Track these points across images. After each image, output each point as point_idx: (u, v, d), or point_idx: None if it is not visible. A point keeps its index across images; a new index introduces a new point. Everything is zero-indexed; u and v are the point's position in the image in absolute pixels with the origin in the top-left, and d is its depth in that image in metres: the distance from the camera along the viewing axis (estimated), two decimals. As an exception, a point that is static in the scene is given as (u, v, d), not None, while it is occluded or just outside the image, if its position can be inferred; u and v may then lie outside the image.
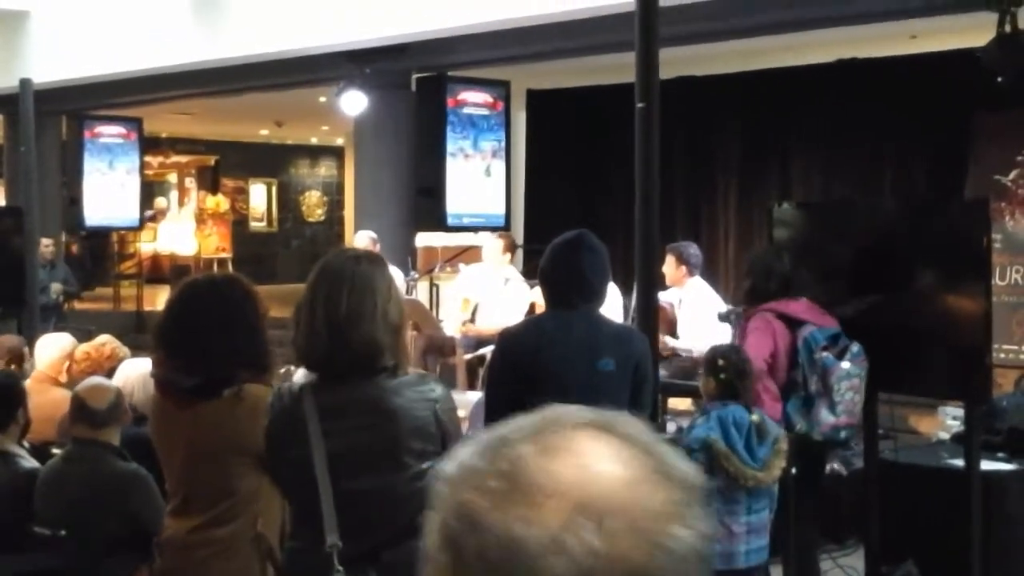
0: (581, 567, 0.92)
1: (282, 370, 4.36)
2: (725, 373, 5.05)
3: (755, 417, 4.97)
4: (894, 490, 6.30)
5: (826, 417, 5.31)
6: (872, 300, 5.87)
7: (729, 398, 5.02)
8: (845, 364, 5.32)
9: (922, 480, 6.31)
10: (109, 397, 4.68)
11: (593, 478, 0.96)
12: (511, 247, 10.07)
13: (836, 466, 5.78)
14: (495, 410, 3.84)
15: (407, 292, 10.59)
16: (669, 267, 8.12)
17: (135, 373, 5.48)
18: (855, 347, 5.38)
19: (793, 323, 5.40)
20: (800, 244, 6.33)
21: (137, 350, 6.53)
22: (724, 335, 8.31)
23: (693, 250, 8.63)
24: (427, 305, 11.09)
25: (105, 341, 6.55)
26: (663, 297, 7.55)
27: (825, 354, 5.31)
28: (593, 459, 0.97)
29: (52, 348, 6.47)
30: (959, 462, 5.90)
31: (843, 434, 5.45)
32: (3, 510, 4.61)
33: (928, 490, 6.22)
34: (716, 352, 5.25)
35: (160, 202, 23.19)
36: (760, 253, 5.85)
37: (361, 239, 10.40)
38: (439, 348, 9.93)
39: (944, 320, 5.63)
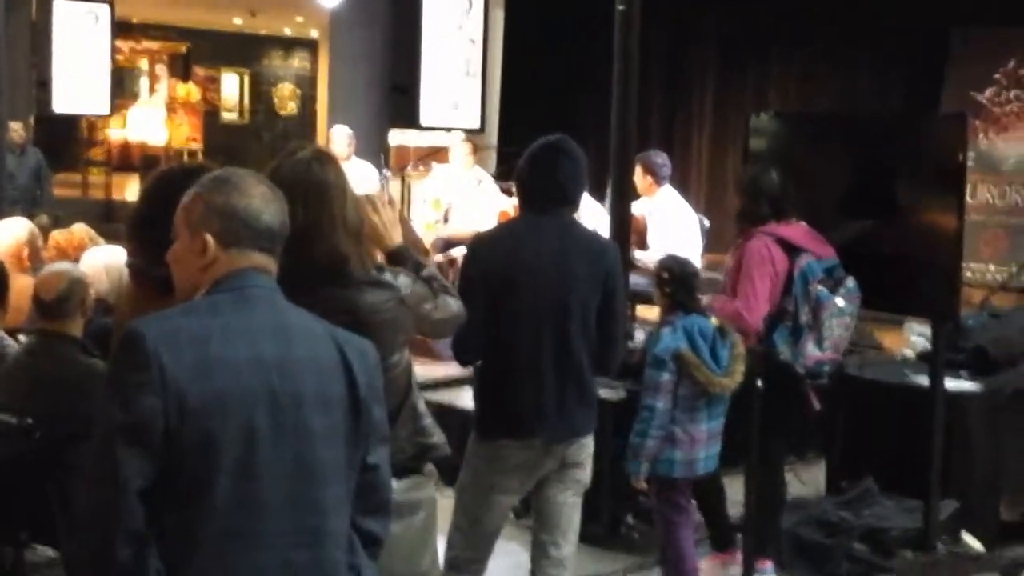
0: (261, 205, 2.45)
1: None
2: (670, 287, 5.08)
3: (715, 321, 5.03)
4: (856, 405, 6.35)
5: (812, 351, 5.24)
6: (843, 213, 5.85)
7: (679, 310, 5.04)
8: (839, 301, 5.22)
9: (885, 396, 6.34)
10: (59, 287, 4.50)
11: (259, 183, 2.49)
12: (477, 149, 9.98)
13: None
14: (468, 314, 3.81)
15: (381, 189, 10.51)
16: (636, 176, 7.94)
17: (99, 262, 5.34)
18: (850, 282, 5.27)
19: (792, 249, 5.29)
20: (775, 155, 6.28)
21: (107, 239, 6.43)
22: (695, 244, 8.31)
23: (660, 159, 8.48)
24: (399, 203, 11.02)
25: (76, 230, 6.43)
26: (634, 207, 7.48)
27: (820, 287, 5.21)
28: (255, 180, 2.49)
29: (7, 234, 6.21)
30: (922, 379, 5.93)
31: (826, 368, 5.39)
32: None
33: (890, 407, 6.26)
34: (660, 265, 5.28)
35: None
36: (751, 173, 5.65)
37: (337, 135, 10.28)
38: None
39: (915, 236, 5.62)
